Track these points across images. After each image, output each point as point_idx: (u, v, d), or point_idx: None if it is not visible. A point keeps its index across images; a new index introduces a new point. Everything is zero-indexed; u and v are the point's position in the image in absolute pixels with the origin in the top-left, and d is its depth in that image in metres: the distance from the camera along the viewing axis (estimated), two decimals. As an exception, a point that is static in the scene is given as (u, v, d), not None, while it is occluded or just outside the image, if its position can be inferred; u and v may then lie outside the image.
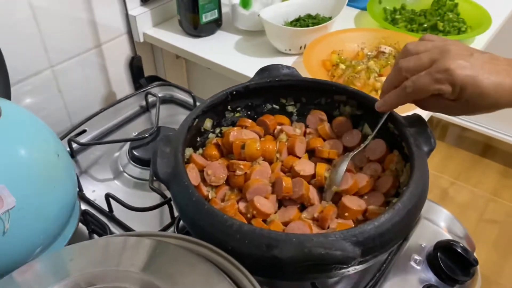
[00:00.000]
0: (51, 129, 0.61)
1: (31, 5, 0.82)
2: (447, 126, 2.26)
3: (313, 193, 0.61)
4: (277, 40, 0.98)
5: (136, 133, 0.87)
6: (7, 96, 0.67)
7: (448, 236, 0.68)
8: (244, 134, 0.66)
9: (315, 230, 0.56)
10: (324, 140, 0.69)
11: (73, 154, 0.82)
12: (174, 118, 0.94)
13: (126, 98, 0.94)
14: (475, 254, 0.63)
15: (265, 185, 0.61)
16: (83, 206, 0.72)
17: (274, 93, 0.71)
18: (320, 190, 0.63)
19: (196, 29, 1.04)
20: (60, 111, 0.96)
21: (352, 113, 0.70)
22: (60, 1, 0.87)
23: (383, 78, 0.85)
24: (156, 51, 1.15)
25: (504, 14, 1.13)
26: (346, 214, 0.58)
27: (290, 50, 0.98)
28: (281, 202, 0.62)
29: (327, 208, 0.58)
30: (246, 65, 0.95)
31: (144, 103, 0.95)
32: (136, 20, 1.02)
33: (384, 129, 0.63)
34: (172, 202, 0.62)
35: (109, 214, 0.71)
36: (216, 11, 1.04)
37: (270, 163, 0.65)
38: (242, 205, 0.59)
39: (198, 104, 0.92)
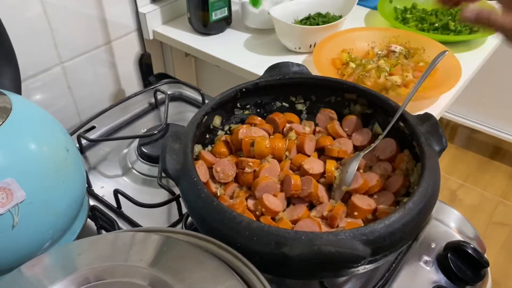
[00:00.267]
0: (61, 124, 0.61)
1: (42, 1, 0.83)
2: (456, 128, 2.24)
3: (322, 192, 0.61)
4: (287, 38, 0.97)
5: (145, 130, 0.87)
6: (18, 91, 0.67)
7: (459, 237, 0.68)
8: (253, 132, 0.66)
9: (324, 228, 0.56)
10: (334, 138, 0.68)
11: (82, 150, 0.82)
12: (183, 115, 0.94)
13: (135, 95, 0.94)
14: (485, 256, 0.62)
15: (274, 183, 0.60)
16: (92, 202, 0.72)
17: (284, 91, 0.71)
18: (329, 188, 0.63)
19: (205, 27, 1.04)
20: (69, 107, 0.97)
21: (362, 111, 0.69)
22: (71, -2, 0.87)
23: (394, 77, 0.85)
24: (165, 48, 1.15)
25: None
26: (356, 213, 0.57)
27: (299, 48, 0.98)
28: (290, 200, 0.62)
29: (336, 207, 0.57)
30: (255, 63, 0.95)
31: (153, 100, 0.95)
32: (146, 18, 1.02)
33: (394, 128, 0.63)
34: (180, 199, 0.62)
35: (118, 210, 0.71)
36: (225, 9, 1.04)
37: (279, 161, 0.64)
38: (250, 203, 0.59)
39: (206, 101, 0.92)
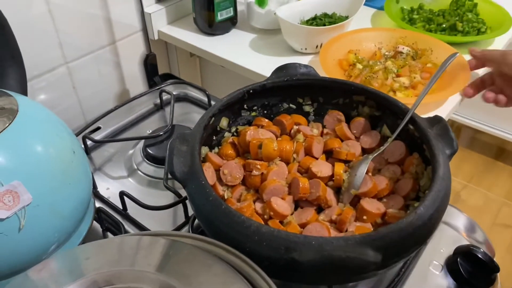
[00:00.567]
0: (67, 125, 0.60)
1: (47, 1, 0.82)
2: (460, 128, 2.23)
3: (330, 195, 0.60)
4: (293, 39, 0.97)
5: (150, 131, 0.86)
6: (24, 92, 0.67)
7: (467, 241, 0.67)
8: (260, 134, 0.65)
9: (333, 233, 0.55)
10: (342, 141, 0.67)
11: (87, 151, 0.82)
12: (188, 116, 0.93)
13: (141, 95, 0.93)
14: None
15: (282, 186, 0.60)
16: (97, 204, 0.71)
17: (291, 92, 0.70)
18: (337, 191, 0.62)
19: (211, 27, 1.03)
20: (74, 107, 0.96)
21: (370, 113, 0.68)
22: (76, -2, 0.87)
23: (402, 79, 0.84)
24: (170, 48, 1.14)
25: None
26: (365, 217, 0.56)
27: (306, 49, 0.97)
28: (297, 203, 0.61)
29: (345, 210, 0.56)
30: (261, 64, 0.95)
31: (158, 101, 0.95)
32: (151, 18, 1.02)
33: (403, 130, 0.62)
34: (187, 201, 0.61)
35: (123, 212, 0.70)
36: (231, 9, 1.03)
37: (287, 163, 0.64)
38: (258, 206, 0.58)
39: (212, 102, 0.92)
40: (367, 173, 0.61)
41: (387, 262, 0.47)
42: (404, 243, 0.47)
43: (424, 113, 0.80)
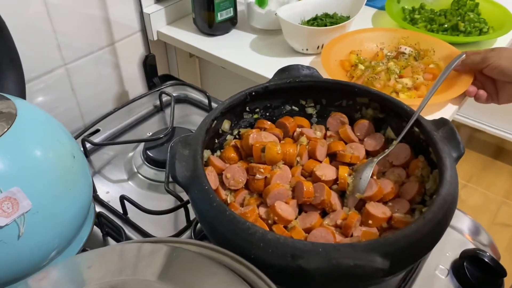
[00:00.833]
0: (66, 129, 0.59)
1: (45, 2, 0.81)
2: (459, 127, 2.23)
3: (334, 199, 0.59)
4: (294, 39, 0.96)
5: (150, 133, 0.85)
6: (22, 95, 0.65)
7: (472, 244, 0.66)
8: (263, 137, 0.64)
9: (338, 238, 0.54)
10: (346, 143, 0.66)
11: (86, 154, 0.81)
12: (189, 118, 0.92)
13: (140, 97, 0.92)
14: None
15: (286, 190, 0.59)
16: (97, 208, 0.70)
17: (294, 94, 0.69)
18: (342, 195, 0.61)
19: (211, 27, 1.02)
20: (73, 109, 0.95)
21: (374, 116, 0.67)
22: (74, -2, 0.86)
23: (404, 80, 0.83)
24: (169, 49, 1.13)
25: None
26: (370, 221, 0.55)
27: (307, 50, 0.96)
28: (301, 207, 0.60)
29: (350, 215, 0.56)
30: (262, 65, 0.94)
31: (158, 102, 0.93)
32: (150, 18, 1.01)
33: (408, 133, 0.61)
34: (190, 206, 0.60)
35: (124, 217, 0.69)
36: (231, 9, 1.02)
37: (290, 167, 0.63)
38: (262, 210, 0.57)
39: (212, 104, 0.91)
40: (372, 176, 0.60)
41: (395, 268, 0.46)
42: (412, 249, 0.46)
43: (427, 114, 0.79)
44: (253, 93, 0.66)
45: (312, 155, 0.64)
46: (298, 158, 0.64)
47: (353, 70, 0.88)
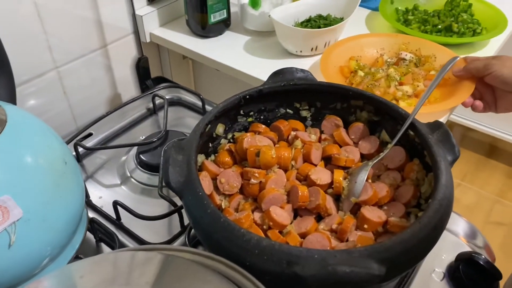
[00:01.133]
0: (58, 135, 0.58)
1: (35, 3, 0.80)
2: (452, 127, 2.24)
3: (330, 203, 0.59)
4: (288, 41, 0.95)
5: (144, 137, 0.85)
6: (13, 100, 0.64)
7: (468, 247, 0.66)
8: (258, 141, 0.64)
9: (334, 242, 0.54)
10: (340, 146, 0.66)
11: (79, 158, 0.80)
12: (182, 120, 0.92)
13: (133, 100, 0.91)
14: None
15: (281, 194, 0.58)
16: (90, 213, 0.69)
17: (288, 97, 0.69)
18: (337, 198, 0.61)
19: (204, 29, 1.02)
20: (65, 113, 0.94)
21: (369, 118, 0.67)
22: (65, 0, 0.84)
23: (404, 87, 0.82)
24: (162, 51, 1.12)
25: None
26: (366, 226, 0.55)
27: (301, 51, 0.95)
28: (296, 212, 0.60)
29: (346, 220, 0.55)
30: (255, 67, 0.93)
31: (151, 105, 0.93)
32: (142, 20, 1.00)
33: (403, 136, 0.61)
34: (184, 212, 0.60)
35: (117, 222, 0.69)
36: (224, 11, 1.01)
37: (285, 171, 0.62)
38: (257, 216, 0.57)
39: (206, 106, 0.90)
40: (367, 180, 0.59)
41: (391, 274, 0.45)
42: (408, 255, 0.46)
43: (424, 116, 0.79)
44: (247, 96, 0.66)
45: (307, 159, 0.64)
46: (293, 162, 0.63)
47: (352, 77, 0.87)
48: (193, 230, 0.64)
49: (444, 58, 0.88)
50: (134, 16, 0.99)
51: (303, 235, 0.55)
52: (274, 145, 0.65)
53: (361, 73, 0.86)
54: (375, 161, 0.61)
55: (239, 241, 0.46)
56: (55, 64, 0.88)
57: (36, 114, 0.85)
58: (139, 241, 0.66)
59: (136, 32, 1.02)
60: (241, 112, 0.68)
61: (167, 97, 0.91)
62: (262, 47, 1.00)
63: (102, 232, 0.67)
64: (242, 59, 0.96)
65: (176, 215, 0.67)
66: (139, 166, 0.79)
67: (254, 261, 0.45)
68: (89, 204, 0.72)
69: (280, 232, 0.56)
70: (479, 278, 0.59)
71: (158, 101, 0.93)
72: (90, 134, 0.84)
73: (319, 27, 0.96)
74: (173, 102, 0.95)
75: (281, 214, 0.56)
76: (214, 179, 0.61)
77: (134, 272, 0.44)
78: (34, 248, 0.51)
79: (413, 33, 0.98)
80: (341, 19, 0.99)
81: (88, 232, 0.66)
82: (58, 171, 0.54)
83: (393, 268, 0.45)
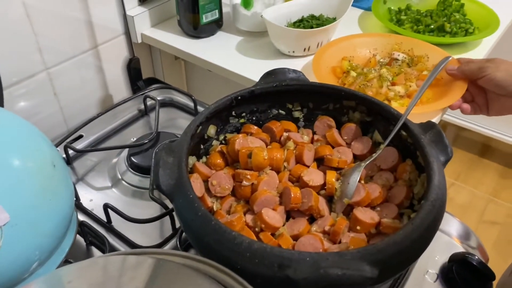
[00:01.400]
0: (46, 137, 0.57)
1: (24, 4, 0.79)
2: (445, 126, 2.24)
3: (322, 204, 0.59)
4: (281, 41, 0.95)
5: (135, 139, 0.84)
6: (0, 102, 0.63)
7: (461, 247, 0.66)
8: (250, 142, 0.63)
9: (326, 244, 0.53)
10: (333, 147, 0.66)
11: (69, 161, 0.79)
12: (174, 122, 0.91)
13: (124, 101, 0.90)
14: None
15: (273, 196, 0.58)
16: (80, 216, 0.69)
17: (280, 98, 0.69)
18: (330, 200, 0.60)
19: (196, 29, 1.01)
20: (55, 115, 0.93)
21: (361, 119, 0.67)
22: (54, 0, 0.83)
23: (397, 88, 0.82)
24: (154, 52, 1.11)
25: (510, 15, 1.11)
26: (358, 227, 0.55)
27: (293, 52, 0.95)
28: (289, 213, 0.59)
29: (338, 221, 0.55)
30: (248, 67, 0.92)
31: (142, 106, 0.92)
32: (134, 21, 0.99)
33: (396, 136, 0.60)
34: (175, 215, 0.59)
35: (108, 225, 0.68)
36: (216, 11, 1.01)
37: (278, 172, 0.62)
38: (249, 218, 0.56)
39: (198, 107, 0.89)
40: (359, 181, 0.59)
41: (384, 276, 0.45)
42: (401, 257, 0.45)
43: (416, 116, 0.79)
44: (239, 98, 0.65)
45: (299, 160, 0.64)
46: (285, 163, 0.63)
47: (344, 77, 0.86)
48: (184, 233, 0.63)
49: (437, 58, 0.87)
50: (125, 16, 0.98)
51: (295, 237, 0.55)
52: (266, 147, 0.65)
53: (353, 73, 0.85)
54: (367, 162, 0.60)
55: (230, 244, 0.45)
56: (45, 65, 0.87)
57: (26, 116, 0.85)
58: (130, 244, 0.65)
59: (127, 33, 1.01)
60: (233, 113, 0.67)
61: (158, 98, 0.90)
62: (255, 48, 1.00)
63: (92, 236, 0.66)
64: (235, 60, 0.96)
65: (167, 218, 0.66)
66: (130, 168, 0.78)
67: (245, 264, 0.45)
68: (79, 207, 0.71)
69: (273, 234, 0.55)
70: (472, 279, 0.59)
71: (149, 102, 0.92)
72: (80, 136, 0.83)
73: (312, 27, 0.96)
74: (165, 103, 0.94)
75: (273, 216, 0.55)
76: (205, 181, 0.61)
77: (124, 277, 0.44)
78: (22, 253, 0.50)
79: (405, 33, 0.98)
80: (334, 19, 0.99)
81: (78, 236, 0.66)
82: (46, 175, 0.53)
83: (385, 270, 0.44)
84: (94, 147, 0.83)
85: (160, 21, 1.06)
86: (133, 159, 0.77)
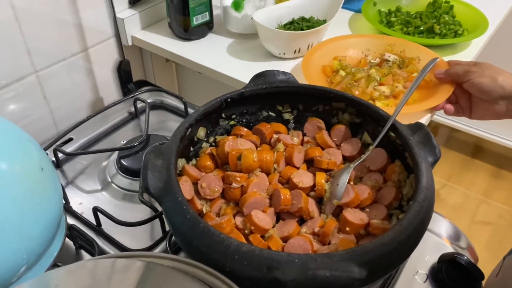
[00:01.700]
0: (35, 140, 0.57)
1: (12, 6, 0.78)
2: (437, 128, 2.26)
3: (312, 206, 0.59)
4: (271, 44, 0.95)
5: (125, 141, 0.83)
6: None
7: (451, 248, 0.66)
8: (239, 144, 0.63)
9: (316, 246, 0.53)
10: (323, 149, 0.66)
11: (59, 164, 0.79)
12: (164, 124, 0.91)
13: (114, 104, 0.90)
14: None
15: (263, 198, 0.58)
16: (70, 220, 0.68)
17: (270, 100, 0.69)
18: (319, 201, 0.61)
19: (186, 32, 1.01)
20: (45, 118, 0.92)
21: (351, 120, 0.67)
22: (43, 2, 0.83)
23: (382, 88, 0.82)
24: (145, 54, 1.11)
25: (499, 16, 1.12)
26: (348, 228, 0.55)
27: (284, 54, 0.95)
28: (279, 215, 0.59)
29: (328, 223, 0.55)
30: (239, 69, 0.93)
31: (133, 109, 0.91)
32: (124, 23, 0.99)
33: (385, 137, 0.61)
34: (164, 218, 0.59)
35: (97, 228, 0.67)
36: (207, 13, 1.01)
37: (267, 174, 0.62)
38: (238, 220, 0.56)
39: (189, 110, 0.89)
40: (349, 182, 0.59)
41: (372, 277, 0.45)
42: (390, 257, 0.46)
43: (405, 117, 0.79)
44: (229, 100, 0.65)
45: (289, 162, 0.64)
46: (275, 165, 0.63)
47: (333, 76, 0.87)
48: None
49: (428, 60, 0.88)
50: (115, 19, 0.98)
51: (285, 239, 0.55)
52: (256, 148, 0.65)
53: (342, 72, 0.86)
54: (357, 163, 0.61)
55: (219, 247, 0.45)
56: (34, 68, 0.86)
57: (16, 120, 0.84)
58: (120, 247, 0.65)
59: (118, 35, 1.00)
60: (223, 115, 0.67)
61: (149, 100, 0.90)
62: (245, 50, 1.00)
63: (81, 239, 0.66)
64: (225, 62, 0.96)
65: (158, 221, 0.66)
66: (120, 171, 0.77)
67: (234, 266, 0.45)
68: (68, 210, 0.70)
69: (262, 236, 0.55)
70: (461, 279, 0.59)
71: (140, 104, 0.92)
72: (70, 139, 0.83)
73: (302, 29, 0.96)
74: (155, 106, 0.94)
75: (263, 218, 0.55)
76: (195, 183, 0.60)
77: (113, 280, 0.43)
78: (9, 257, 0.49)
79: (395, 35, 0.98)
80: (324, 21, 1.00)
81: (67, 239, 0.65)
82: (34, 178, 0.52)
83: (374, 271, 0.44)
84: (84, 150, 0.83)
85: (151, 23, 1.06)
86: (123, 162, 0.77)
